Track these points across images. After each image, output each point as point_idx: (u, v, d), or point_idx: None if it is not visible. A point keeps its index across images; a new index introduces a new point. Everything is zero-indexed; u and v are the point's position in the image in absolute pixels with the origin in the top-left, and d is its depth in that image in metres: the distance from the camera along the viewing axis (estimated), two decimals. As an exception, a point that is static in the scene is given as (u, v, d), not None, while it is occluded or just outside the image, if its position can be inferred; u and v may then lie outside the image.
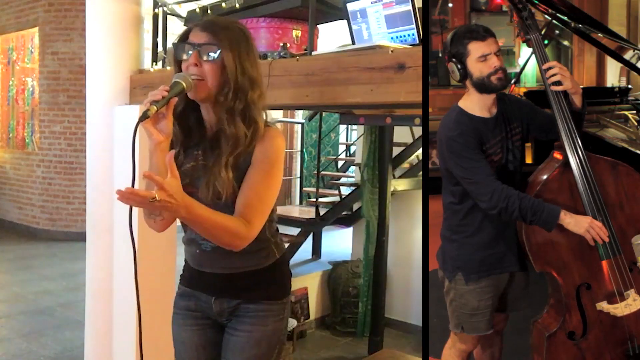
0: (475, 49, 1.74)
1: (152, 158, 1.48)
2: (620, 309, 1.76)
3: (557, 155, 1.78)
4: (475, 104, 1.80)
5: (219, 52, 1.50)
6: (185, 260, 1.76)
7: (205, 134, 1.61)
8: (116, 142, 2.85)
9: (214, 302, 1.67)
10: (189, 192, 1.55)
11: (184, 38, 1.55)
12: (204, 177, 1.53)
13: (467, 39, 1.74)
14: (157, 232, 1.64)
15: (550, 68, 1.73)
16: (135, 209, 1.33)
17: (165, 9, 2.98)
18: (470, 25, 1.77)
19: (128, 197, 1.23)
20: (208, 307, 1.69)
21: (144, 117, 1.39)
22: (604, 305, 1.77)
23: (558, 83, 1.72)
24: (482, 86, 1.76)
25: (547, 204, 1.67)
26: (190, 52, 1.51)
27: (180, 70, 1.53)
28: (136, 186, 1.32)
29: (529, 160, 2.56)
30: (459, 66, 1.76)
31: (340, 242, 6.53)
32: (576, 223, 1.66)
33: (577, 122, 1.75)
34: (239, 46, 1.52)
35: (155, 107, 1.39)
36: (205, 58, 1.50)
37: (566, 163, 1.71)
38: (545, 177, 1.75)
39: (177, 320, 1.75)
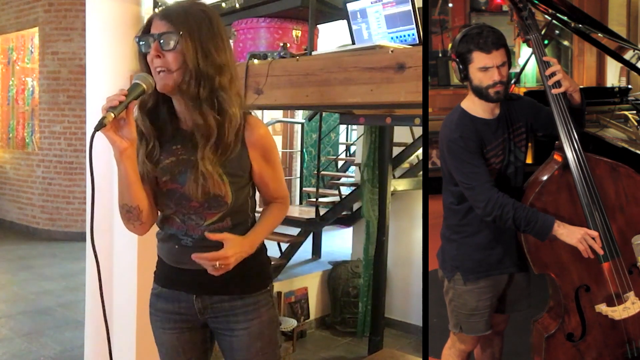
0: (478, 59, 1.71)
1: (120, 167, 1.44)
2: (618, 312, 1.75)
3: (557, 157, 1.77)
4: (477, 105, 1.79)
5: (178, 39, 1.41)
6: (159, 257, 1.68)
7: (180, 127, 1.55)
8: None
9: (195, 300, 1.61)
10: (171, 189, 1.54)
11: (146, 30, 1.47)
12: (191, 173, 1.49)
13: (473, 47, 1.71)
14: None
15: (549, 66, 1.72)
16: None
17: (165, 9, 2.98)
18: (483, 29, 1.71)
19: None
20: (189, 307, 1.62)
21: (100, 126, 1.31)
22: (602, 308, 1.76)
23: (558, 84, 1.71)
24: (479, 94, 1.75)
25: (541, 214, 1.66)
26: (151, 43, 1.44)
27: (146, 64, 1.47)
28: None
29: (529, 160, 2.56)
30: (460, 67, 1.76)
31: (340, 242, 6.52)
32: (569, 234, 1.64)
33: (578, 118, 1.74)
34: (199, 30, 1.44)
35: (112, 114, 1.32)
36: (166, 48, 1.42)
37: (566, 165, 1.71)
38: (544, 178, 1.74)
39: (155, 322, 1.69)
